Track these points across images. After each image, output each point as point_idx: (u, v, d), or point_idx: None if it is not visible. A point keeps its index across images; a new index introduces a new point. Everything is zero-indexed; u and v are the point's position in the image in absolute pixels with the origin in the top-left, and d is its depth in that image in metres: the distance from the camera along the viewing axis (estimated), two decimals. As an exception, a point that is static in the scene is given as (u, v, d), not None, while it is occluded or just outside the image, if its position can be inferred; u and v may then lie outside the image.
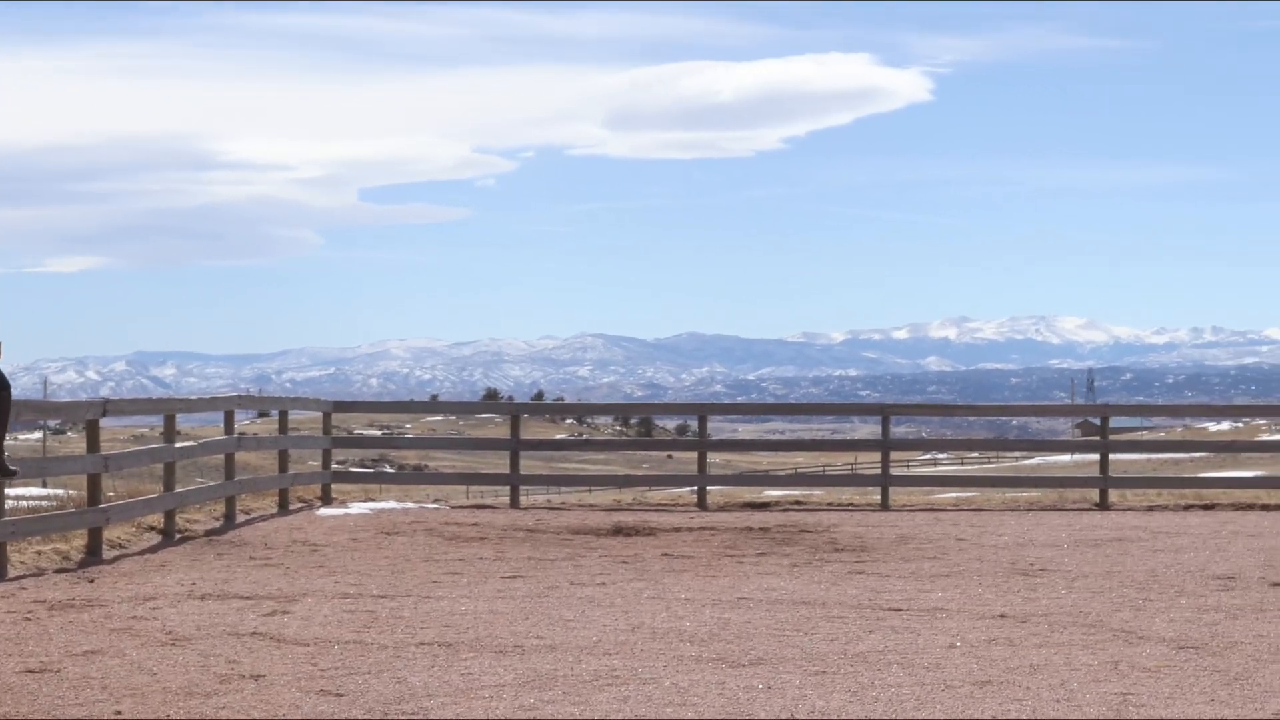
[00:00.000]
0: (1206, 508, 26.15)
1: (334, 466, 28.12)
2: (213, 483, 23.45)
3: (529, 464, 30.09)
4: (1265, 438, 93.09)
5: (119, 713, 9.66)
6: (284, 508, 24.36)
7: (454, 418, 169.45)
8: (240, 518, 22.58)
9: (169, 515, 20.22)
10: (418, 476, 51.51)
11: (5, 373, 14.71)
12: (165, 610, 13.90)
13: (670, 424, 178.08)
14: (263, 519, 22.89)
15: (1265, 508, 26.13)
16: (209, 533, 20.71)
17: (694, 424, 30.09)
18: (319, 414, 28.21)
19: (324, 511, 24.22)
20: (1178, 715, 9.68)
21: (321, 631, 12.72)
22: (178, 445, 20.76)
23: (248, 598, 14.76)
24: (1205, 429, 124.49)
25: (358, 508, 24.90)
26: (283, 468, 25.15)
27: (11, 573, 16.43)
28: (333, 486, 26.91)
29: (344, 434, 35.89)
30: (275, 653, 11.73)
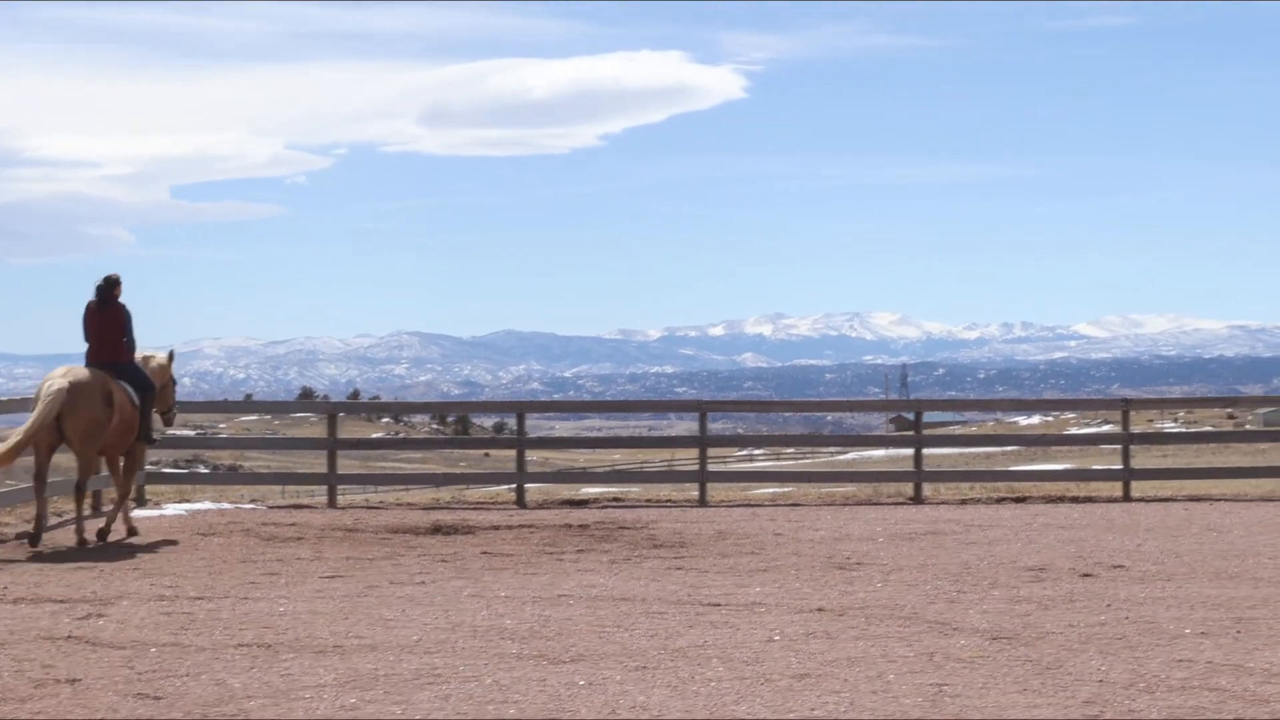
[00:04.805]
0: (1018, 500, 26.54)
1: (147, 467, 27.78)
2: (24, 484, 23.04)
3: (346, 463, 29.95)
4: (1074, 431, 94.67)
5: (-69, 719, 9.50)
6: (98, 510, 24.02)
7: (269, 417, 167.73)
8: (53, 520, 22.23)
9: (-21, 518, 19.85)
10: (233, 477, 50.84)
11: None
12: (-23, 615, 13.68)
13: (488, 422, 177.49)
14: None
15: (1075, 500, 26.59)
16: (20, 536, 20.38)
17: (512, 422, 30.07)
18: (132, 414, 27.82)
19: (138, 513, 23.90)
20: (991, 704, 9.85)
21: (138, 634, 12.57)
22: (-13, 447, 20.33)
23: (62, 601, 14.55)
24: (1016, 423, 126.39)
25: (173, 509, 24.62)
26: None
27: None
28: (146, 488, 26.58)
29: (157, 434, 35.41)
30: (91, 656, 11.59)
